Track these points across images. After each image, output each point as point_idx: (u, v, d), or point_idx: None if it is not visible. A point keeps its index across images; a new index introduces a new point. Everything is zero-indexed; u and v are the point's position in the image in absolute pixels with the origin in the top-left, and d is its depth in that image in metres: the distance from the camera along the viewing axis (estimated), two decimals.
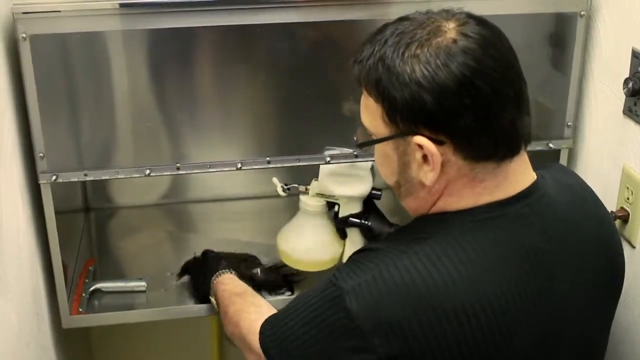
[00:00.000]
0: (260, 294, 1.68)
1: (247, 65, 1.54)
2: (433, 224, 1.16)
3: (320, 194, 1.66)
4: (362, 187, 1.63)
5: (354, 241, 1.69)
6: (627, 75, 1.47)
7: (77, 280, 1.72)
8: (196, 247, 1.90)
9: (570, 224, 1.20)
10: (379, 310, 1.07)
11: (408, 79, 1.07)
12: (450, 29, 1.09)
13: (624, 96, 1.48)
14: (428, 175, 1.12)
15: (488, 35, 1.11)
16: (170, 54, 1.51)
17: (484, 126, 1.08)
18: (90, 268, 1.78)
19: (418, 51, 1.08)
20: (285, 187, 1.69)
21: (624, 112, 1.50)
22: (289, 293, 1.72)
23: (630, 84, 1.44)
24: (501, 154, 1.12)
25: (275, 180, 1.69)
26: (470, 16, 1.13)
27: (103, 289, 1.72)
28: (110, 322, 1.70)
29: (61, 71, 1.47)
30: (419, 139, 1.09)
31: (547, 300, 1.14)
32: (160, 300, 1.70)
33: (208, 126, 1.57)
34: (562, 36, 1.61)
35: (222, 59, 1.53)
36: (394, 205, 2.09)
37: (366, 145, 1.19)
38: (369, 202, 1.66)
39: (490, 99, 1.07)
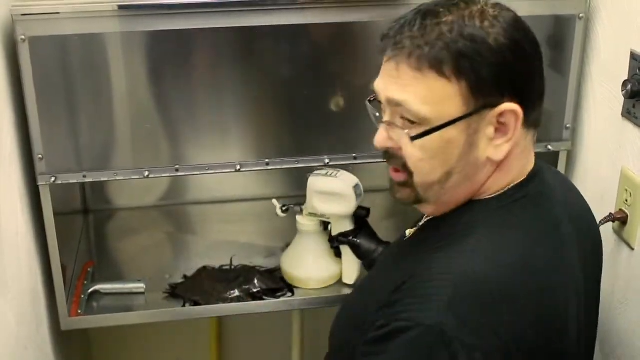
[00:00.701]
0: (262, 299, 1.69)
1: (245, 67, 1.54)
2: (468, 221, 1.15)
3: (313, 214, 1.69)
4: (346, 206, 1.64)
5: (349, 259, 1.71)
6: (625, 77, 1.47)
7: (76, 282, 1.72)
8: (195, 249, 1.90)
9: (566, 204, 1.23)
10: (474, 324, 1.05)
11: (496, 45, 1.06)
12: (488, 6, 1.11)
13: (622, 98, 1.48)
14: (501, 149, 1.11)
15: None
16: (168, 56, 1.51)
17: (542, 90, 1.13)
18: (89, 270, 1.78)
19: (486, 23, 1.08)
20: (283, 207, 1.73)
21: (622, 115, 1.50)
22: (290, 295, 1.72)
23: (629, 86, 1.44)
24: (540, 120, 1.16)
25: (274, 201, 1.73)
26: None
27: (102, 291, 1.72)
28: (109, 323, 1.70)
29: (60, 73, 1.47)
30: (508, 106, 1.08)
31: (575, 270, 1.18)
32: (159, 302, 1.70)
33: (207, 128, 1.57)
34: (560, 38, 1.61)
35: (221, 61, 1.53)
36: (393, 206, 2.10)
37: (432, 133, 1.10)
38: (360, 221, 1.68)
39: (542, 64, 1.13)
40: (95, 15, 1.44)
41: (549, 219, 1.16)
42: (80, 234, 1.96)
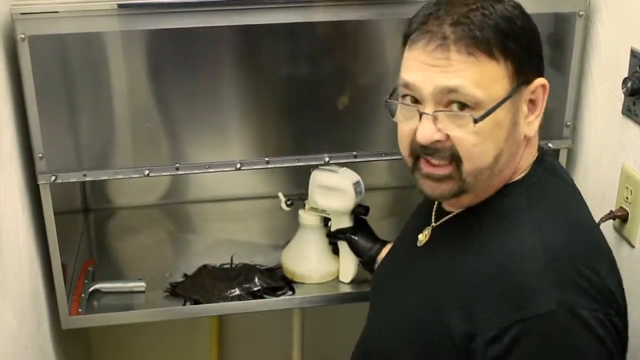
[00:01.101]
0: (263, 298, 1.69)
1: (245, 66, 1.54)
2: (513, 203, 1.18)
3: (314, 209, 1.70)
4: (344, 202, 1.65)
5: (346, 257, 1.72)
6: (626, 75, 1.46)
7: (77, 281, 1.72)
8: (195, 248, 1.90)
9: None
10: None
11: (523, 24, 1.13)
12: None
13: (622, 96, 1.48)
14: (534, 124, 1.17)
15: None
16: (168, 55, 1.51)
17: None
18: (89, 269, 1.78)
19: (507, 6, 1.13)
20: (288, 202, 1.73)
21: (622, 112, 1.50)
22: (291, 293, 1.72)
23: (629, 84, 1.44)
24: None
25: (280, 195, 1.74)
26: None
27: (102, 290, 1.72)
28: (109, 322, 1.70)
29: (60, 72, 1.47)
30: (541, 80, 1.16)
31: None
32: (159, 301, 1.70)
33: (207, 126, 1.57)
34: (560, 36, 1.61)
35: (221, 60, 1.53)
36: (392, 205, 2.10)
37: (490, 114, 1.11)
38: (359, 219, 1.69)
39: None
40: (95, 14, 1.44)
41: (571, 184, 1.24)
42: (80, 233, 1.96)
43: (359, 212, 1.68)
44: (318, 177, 1.66)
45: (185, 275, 1.76)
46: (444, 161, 1.14)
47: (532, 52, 1.15)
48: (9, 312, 1.38)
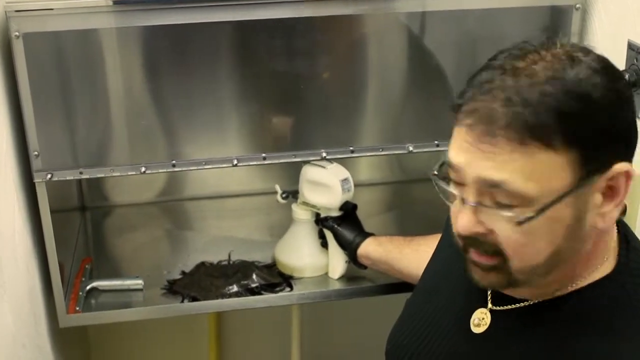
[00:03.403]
0: (261, 295, 1.68)
1: (241, 61, 1.54)
2: (598, 301, 1.01)
3: (305, 203, 1.70)
4: (331, 198, 1.65)
5: (334, 252, 1.72)
6: (623, 67, 1.46)
7: (74, 279, 1.72)
8: (193, 245, 1.90)
9: None
10: None
11: (603, 100, 0.91)
12: (572, 49, 0.96)
13: None
14: (610, 215, 0.96)
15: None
16: (164, 51, 1.50)
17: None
18: (86, 267, 1.77)
19: (584, 72, 0.92)
20: (283, 194, 1.74)
21: None
22: (289, 289, 1.71)
23: (626, 77, 1.43)
24: None
25: (277, 187, 1.74)
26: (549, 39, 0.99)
27: (100, 288, 1.71)
28: (107, 320, 1.70)
29: (55, 69, 1.46)
30: (621, 167, 0.93)
31: None
32: (157, 298, 1.70)
33: (203, 123, 1.56)
34: (557, 29, 1.60)
35: (217, 56, 1.52)
36: (391, 198, 2.10)
37: (541, 213, 0.93)
38: (348, 212, 1.69)
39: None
40: (90, 11, 1.44)
41: None
42: (77, 231, 1.95)
43: (346, 209, 1.68)
44: (307, 172, 1.66)
45: (182, 272, 1.76)
46: (488, 254, 1.00)
47: (612, 133, 0.93)
48: (6, 311, 1.38)
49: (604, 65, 0.94)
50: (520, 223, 0.94)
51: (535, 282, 1.02)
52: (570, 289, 1.03)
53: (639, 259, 1.04)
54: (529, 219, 0.93)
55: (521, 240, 0.96)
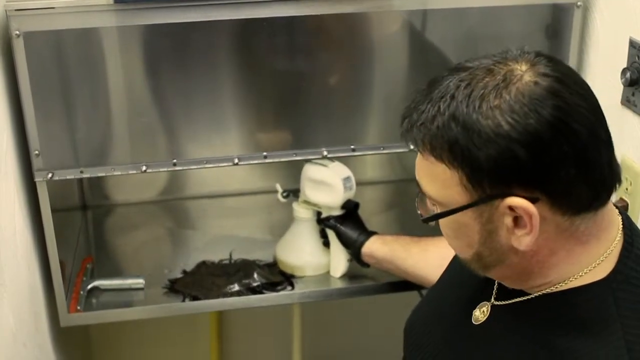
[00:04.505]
0: (262, 293, 1.68)
1: (242, 60, 1.53)
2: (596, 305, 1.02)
3: (306, 202, 1.70)
4: (333, 196, 1.65)
5: (336, 251, 1.72)
6: (624, 65, 1.46)
7: (75, 278, 1.71)
8: (194, 244, 1.90)
9: None
10: None
11: (493, 134, 0.93)
12: (525, 70, 0.96)
13: (621, 86, 1.47)
14: (523, 240, 0.98)
15: (566, 71, 0.98)
16: (165, 50, 1.50)
17: (585, 174, 0.96)
18: (87, 266, 1.77)
19: (497, 101, 0.93)
20: (284, 193, 1.74)
21: (621, 103, 1.49)
22: (290, 288, 1.71)
23: (628, 74, 1.43)
24: (599, 203, 1.00)
25: (277, 186, 1.74)
26: (537, 54, 0.99)
27: (101, 287, 1.71)
28: (108, 319, 1.70)
29: (56, 68, 1.46)
30: (513, 200, 0.95)
31: None
32: (158, 298, 1.69)
33: (204, 121, 1.56)
34: (558, 27, 1.60)
35: (218, 54, 1.52)
36: (393, 197, 2.10)
37: (437, 218, 1.03)
38: (350, 210, 1.69)
39: (587, 142, 0.95)
40: (91, 10, 1.43)
41: None
42: (78, 230, 1.95)
43: (348, 208, 1.68)
44: (309, 170, 1.66)
45: (184, 271, 1.76)
46: None
47: (504, 165, 0.94)
48: (6, 310, 1.38)
49: (538, 99, 0.94)
50: (423, 220, 1.05)
51: (486, 273, 1.07)
52: (559, 288, 1.04)
53: (638, 266, 1.04)
54: (436, 217, 1.03)
55: (447, 233, 1.06)
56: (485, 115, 0.94)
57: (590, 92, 0.99)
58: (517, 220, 0.97)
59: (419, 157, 1.03)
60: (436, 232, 1.08)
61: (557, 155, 0.93)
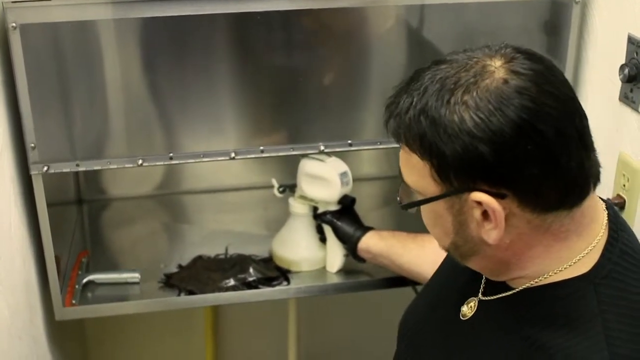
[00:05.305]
0: (257, 288, 1.68)
1: (239, 54, 1.53)
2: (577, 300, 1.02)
3: (303, 197, 1.70)
4: (330, 191, 1.65)
5: (332, 246, 1.72)
6: (622, 61, 1.46)
7: (70, 272, 1.71)
8: (190, 238, 1.90)
9: None
10: None
11: (458, 129, 0.94)
12: (498, 67, 0.97)
13: (619, 83, 1.47)
14: (491, 234, 1.00)
15: (540, 70, 0.98)
16: (162, 43, 1.49)
17: (551, 174, 0.96)
18: (83, 260, 1.77)
19: (466, 97, 0.95)
20: (280, 188, 1.74)
21: (619, 99, 1.49)
22: (286, 283, 1.71)
23: (626, 70, 1.43)
24: (571, 201, 1.00)
25: (273, 180, 1.74)
26: (516, 50, 1.00)
27: (96, 281, 1.71)
28: (103, 313, 1.70)
29: (52, 61, 1.46)
30: (477, 195, 0.97)
31: None
32: (154, 292, 1.69)
33: (201, 115, 1.56)
34: (557, 23, 1.60)
35: (215, 48, 1.52)
36: (390, 192, 2.09)
37: (413, 206, 1.06)
38: (346, 206, 1.69)
39: (554, 142, 0.95)
40: (88, 2, 1.43)
41: None
42: (74, 224, 1.95)
43: (345, 203, 1.68)
44: (306, 165, 1.66)
45: (179, 266, 1.75)
46: None
47: (468, 161, 0.96)
48: (2, 304, 1.38)
49: (505, 98, 0.94)
50: (405, 207, 1.08)
51: (465, 262, 1.09)
52: (539, 282, 1.05)
53: (623, 262, 1.04)
54: (411, 205, 1.07)
55: (427, 222, 1.09)
56: (452, 111, 0.95)
57: (565, 92, 0.99)
58: (486, 214, 0.99)
59: (401, 150, 1.06)
60: None
61: (521, 154, 0.94)
